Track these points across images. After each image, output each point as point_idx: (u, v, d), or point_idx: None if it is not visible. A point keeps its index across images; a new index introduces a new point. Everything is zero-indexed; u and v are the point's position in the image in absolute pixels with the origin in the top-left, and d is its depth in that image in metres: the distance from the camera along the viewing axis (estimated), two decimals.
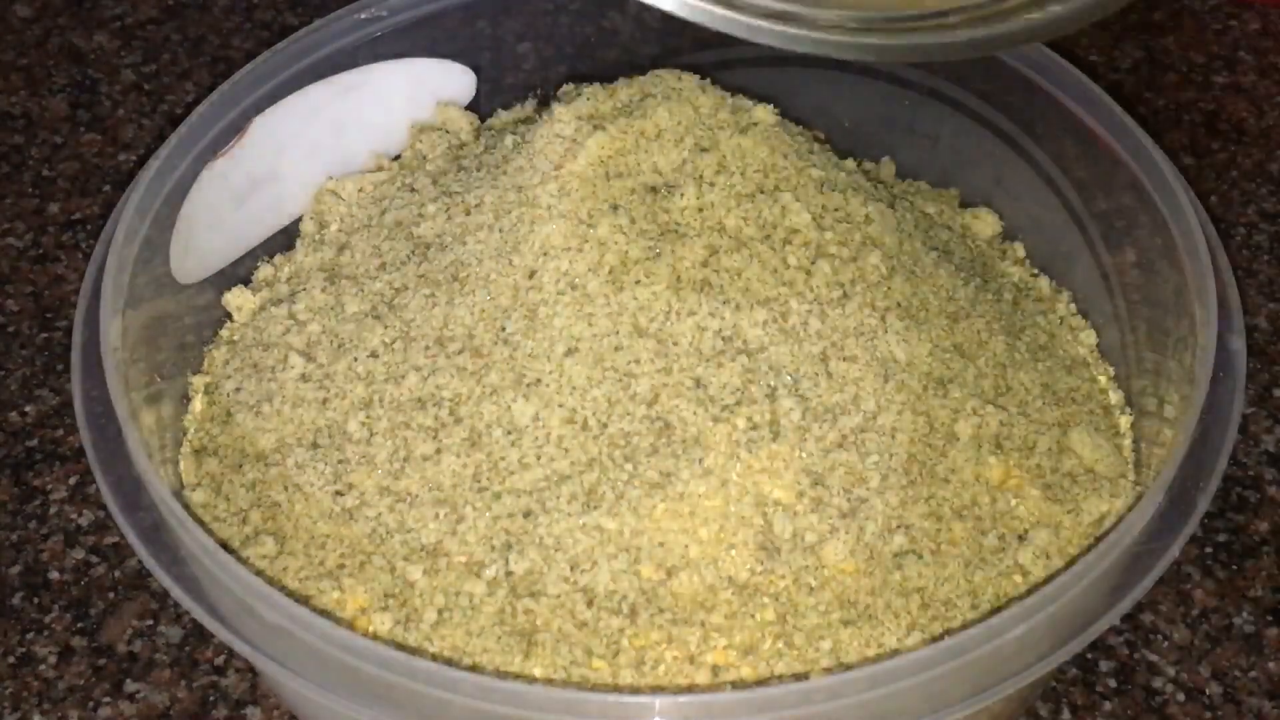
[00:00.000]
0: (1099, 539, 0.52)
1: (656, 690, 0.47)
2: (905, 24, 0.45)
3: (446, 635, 0.48)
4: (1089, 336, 0.61)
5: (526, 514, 0.49)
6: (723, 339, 0.52)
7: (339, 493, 0.52)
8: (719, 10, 0.46)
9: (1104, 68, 0.83)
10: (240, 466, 0.54)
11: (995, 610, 0.49)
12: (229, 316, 0.61)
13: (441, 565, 0.49)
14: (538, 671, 0.47)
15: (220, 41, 0.85)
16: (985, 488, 0.52)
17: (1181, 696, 0.56)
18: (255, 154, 0.60)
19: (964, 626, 0.49)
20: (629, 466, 0.50)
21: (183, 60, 0.84)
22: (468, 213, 0.56)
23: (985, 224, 0.65)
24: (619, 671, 0.47)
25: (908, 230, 0.59)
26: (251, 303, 0.60)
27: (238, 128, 0.59)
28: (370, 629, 0.49)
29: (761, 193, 0.56)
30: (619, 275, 0.52)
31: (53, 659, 0.57)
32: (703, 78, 0.58)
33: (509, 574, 0.49)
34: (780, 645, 0.48)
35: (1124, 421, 0.58)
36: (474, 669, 0.47)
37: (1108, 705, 0.56)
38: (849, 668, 0.47)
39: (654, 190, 0.54)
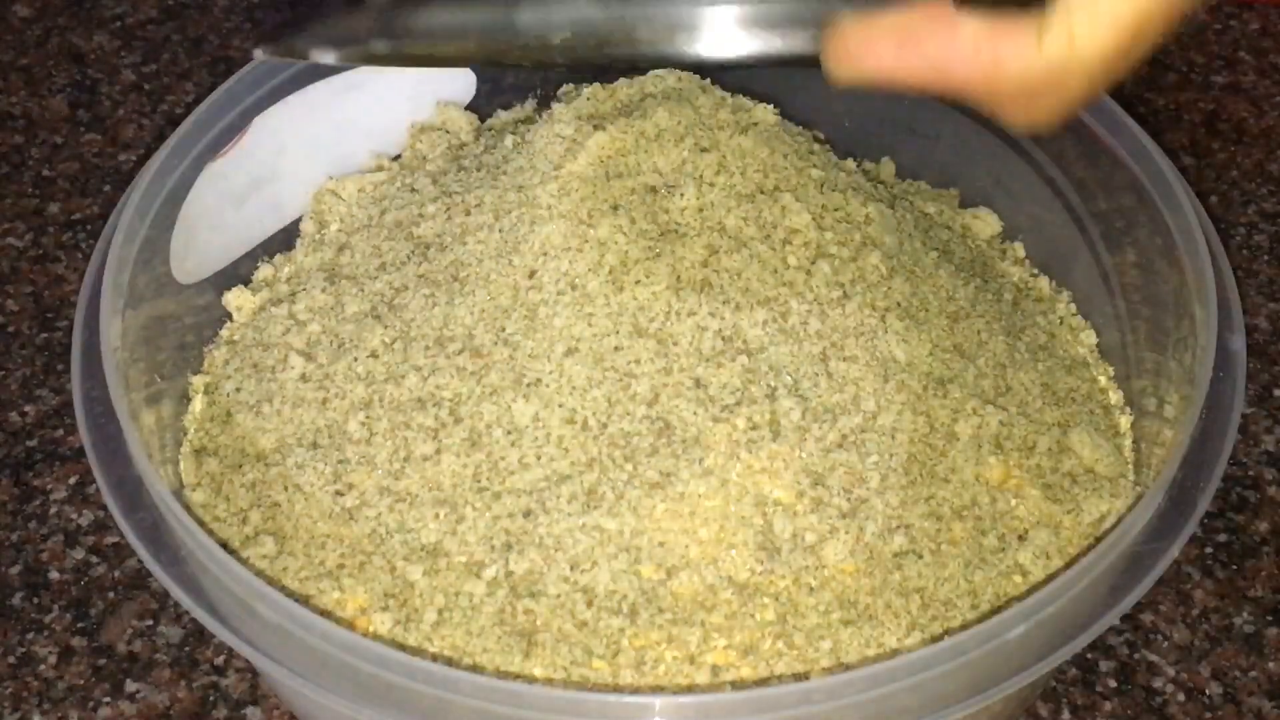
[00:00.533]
0: (1099, 539, 0.52)
1: (656, 690, 0.47)
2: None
3: (446, 635, 0.48)
4: (1089, 336, 0.61)
5: (526, 514, 0.49)
6: (723, 339, 0.52)
7: (339, 493, 0.52)
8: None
9: None
10: (240, 466, 0.54)
11: (995, 610, 0.49)
12: (229, 316, 0.61)
13: (441, 565, 0.49)
14: (538, 671, 0.47)
15: (220, 41, 0.85)
16: (985, 488, 0.52)
17: (1181, 696, 0.56)
18: (255, 154, 0.60)
19: (964, 626, 0.49)
20: (629, 466, 0.50)
21: (183, 60, 0.84)
22: (468, 213, 0.56)
23: (985, 224, 0.65)
24: (619, 671, 0.47)
25: (908, 230, 0.59)
26: (251, 303, 0.60)
27: (238, 128, 0.59)
28: (370, 629, 0.49)
29: (761, 193, 0.56)
30: (619, 275, 0.52)
31: (53, 659, 0.57)
32: (703, 78, 0.58)
33: (509, 574, 0.49)
34: (780, 645, 0.48)
35: (1124, 421, 0.58)
36: (474, 669, 0.47)
37: (1108, 705, 0.56)
38: (849, 668, 0.47)
39: (654, 190, 0.54)
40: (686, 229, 0.54)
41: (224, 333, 0.60)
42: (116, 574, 0.60)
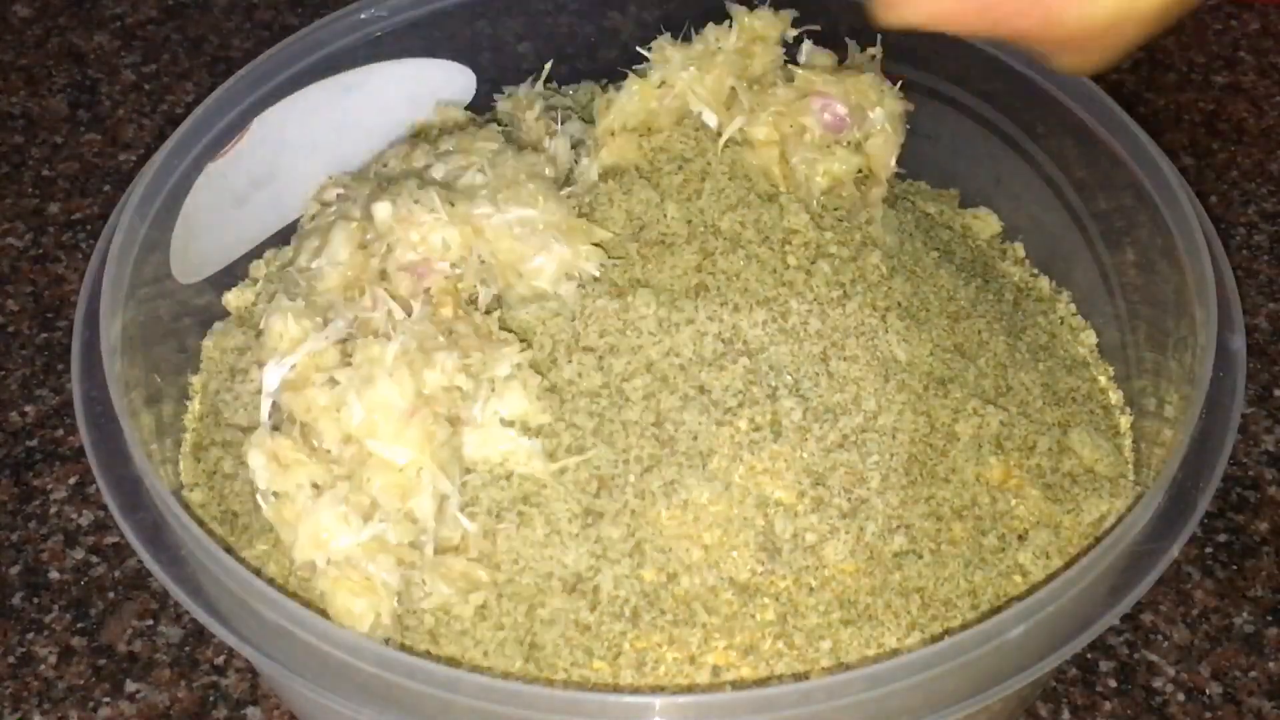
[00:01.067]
0: (1099, 539, 0.52)
1: (657, 690, 0.47)
2: None
3: (446, 640, 0.48)
4: (1089, 336, 0.61)
5: (529, 520, 0.49)
6: (723, 341, 0.52)
7: None
8: None
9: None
10: (240, 466, 0.54)
11: (995, 610, 0.49)
12: (228, 316, 0.61)
13: (443, 568, 0.49)
14: (538, 673, 0.47)
15: (220, 41, 0.85)
16: (985, 488, 0.52)
17: (1181, 696, 0.56)
18: (255, 154, 0.60)
19: (964, 626, 0.49)
20: (632, 476, 0.50)
21: (183, 60, 0.84)
22: None
23: (985, 224, 0.65)
24: (619, 672, 0.47)
25: (908, 230, 0.59)
26: (249, 301, 0.60)
27: (238, 128, 0.59)
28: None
29: (758, 195, 0.56)
30: (619, 287, 0.53)
31: (53, 659, 0.57)
32: None
33: (511, 579, 0.49)
34: (780, 645, 0.48)
35: (1124, 421, 0.58)
36: (475, 670, 0.47)
37: (1108, 705, 0.56)
38: (849, 668, 0.47)
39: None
40: (674, 238, 0.54)
41: (220, 329, 0.60)
42: (116, 574, 0.60)
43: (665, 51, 0.57)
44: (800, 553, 0.49)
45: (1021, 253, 0.65)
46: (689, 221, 0.55)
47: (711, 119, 0.57)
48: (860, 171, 0.58)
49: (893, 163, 0.58)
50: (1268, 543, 0.61)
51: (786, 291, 0.53)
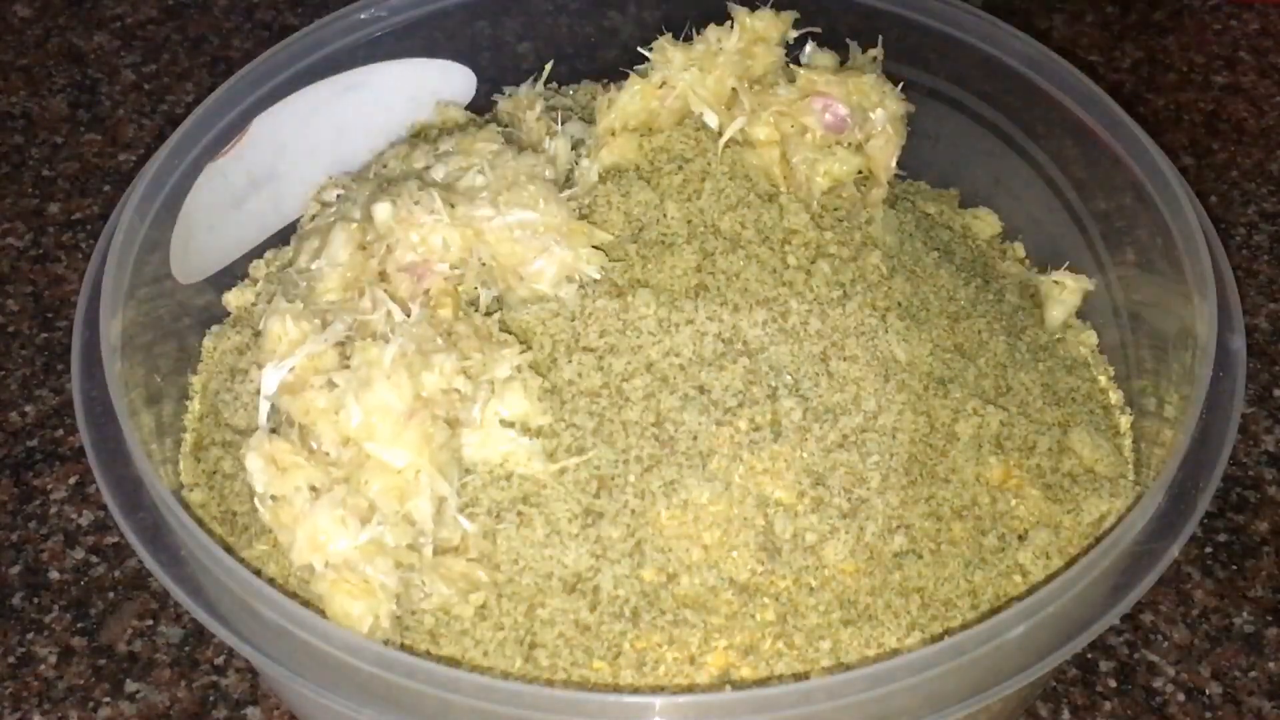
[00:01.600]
0: (1099, 539, 0.52)
1: (657, 690, 0.47)
2: None
3: (446, 640, 0.48)
4: (1089, 336, 0.61)
5: (529, 521, 0.49)
6: (723, 341, 0.52)
7: None
8: None
9: (1104, 68, 0.83)
10: (240, 466, 0.54)
11: (995, 610, 0.49)
12: (228, 316, 0.61)
13: (443, 568, 0.49)
14: (538, 673, 0.47)
15: (220, 41, 0.85)
16: (985, 488, 0.52)
17: (1181, 696, 0.56)
18: (255, 154, 0.60)
19: (964, 626, 0.49)
20: (632, 476, 0.50)
21: (183, 60, 0.84)
22: None
23: (985, 224, 0.65)
24: (619, 672, 0.47)
25: (908, 230, 0.59)
26: (249, 301, 0.60)
27: (238, 128, 0.59)
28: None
29: (758, 195, 0.56)
30: (619, 287, 0.53)
31: (53, 659, 0.57)
32: None
33: (511, 579, 0.49)
34: (780, 645, 0.48)
35: (1124, 421, 0.58)
36: (475, 670, 0.47)
37: (1108, 705, 0.56)
38: (849, 668, 0.47)
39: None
40: (674, 238, 0.54)
41: (220, 329, 0.60)
42: (116, 574, 0.60)
43: (666, 52, 0.57)
44: (800, 553, 0.49)
45: (1021, 253, 0.65)
46: (689, 222, 0.55)
47: (712, 119, 0.57)
48: (861, 172, 0.58)
49: (893, 164, 0.58)
50: (1268, 543, 0.61)
51: (786, 291, 0.53)
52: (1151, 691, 0.56)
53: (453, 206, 0.52)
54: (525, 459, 0.50)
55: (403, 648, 0.48)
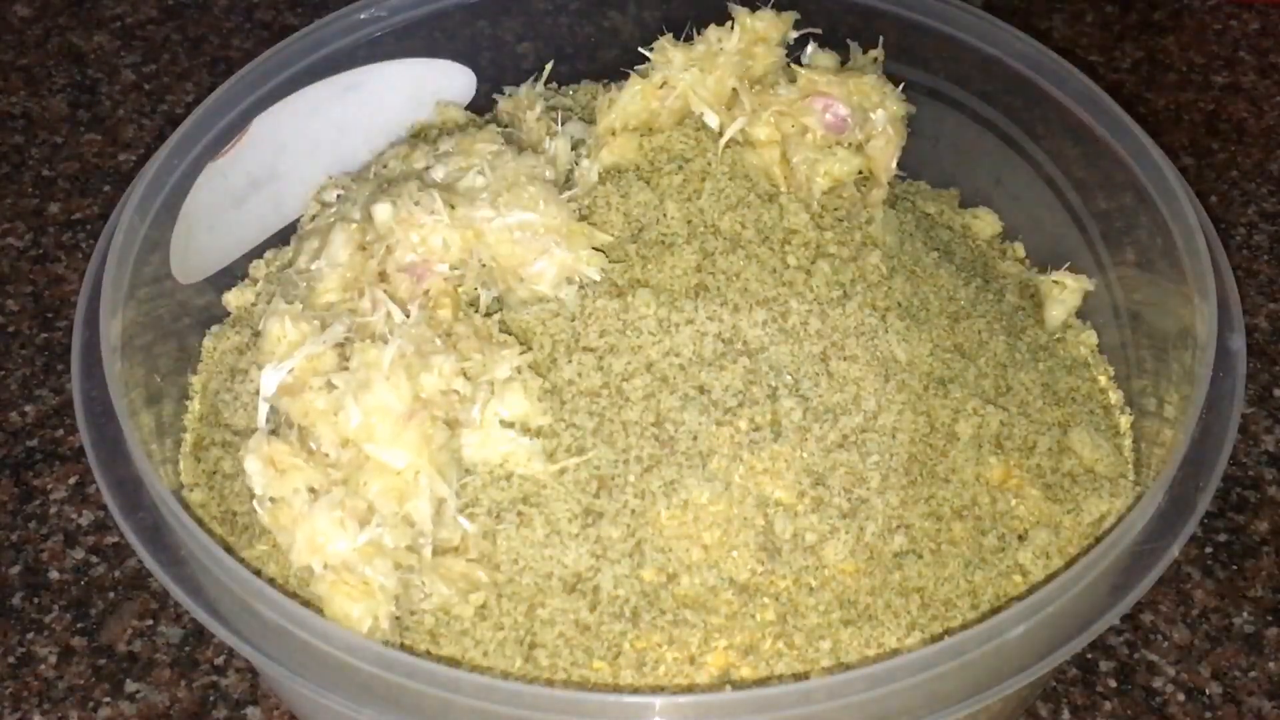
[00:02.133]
0: (1099, 539, 0.52)
1: (657, 690, 0.47)
2: None
3: (446, 640, 0.48)
4: (1089, 336, 0.61)
5: (529, 521, 0.49)
6: (723, 341, 0.52)
7: None
8: None
9: (1104, 68, 0.83)
10: (240, 466, 0.54)
11: (995, 610, 0.49)
12: (228, 316, 0.61)
13: (443, 568, 0.49)
14: (538, 673, 0.47)
15: (220, 41, 0.85)
16: (985, 488, 0.52)
17: (1181, 696, 0.56)
18: (255, 154, 0.60)
19: (964, 626, 0.49)
20: (632, 476, 0.50)
21: (183, 60, 0.84)
22: None
23: (985, 224, 0.65)
24: (619, 672, 0.47)
25: (908, 230, 0.59)
26: (249, 301, 0.60)
27: (238, 128, 0.59)
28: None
29: (758, 195, 0.56)
30: (619, 287, 0.52)
31: (53, 659, 0.57)
32: None
33: (511, 580, 0.49)
34: (780, 645, 0.48)
35: (1124, 421, 0.58)
36: (475, 670, 0.47)
37: (1108, 705, 0.56)
38: (849, 668, 0.47)
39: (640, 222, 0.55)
40: (674, 238, 0.54)
41: (220, 329, 0.60)
42: (116, 574, 0.60)
43: (667, 52, 0.57)
44: (800, 553, 0.49)
45: (1021, 253, 0.65)
46: (689, 221, 0.55)
47: (713, 120, 0.57)
48: (861, 173, 0.58)
49: (893, 165, 0.58)
50: (1268, 543, 0.61)
51: (786, 291, 0.53)
52: (1151, 691, 0.56)
53: (453, 207, 0.52)
54: (525, 459, 0.50)
55: (403, 648, 0.48)
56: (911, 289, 0.56)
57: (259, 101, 0.60)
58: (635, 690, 0.47)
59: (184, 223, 0.57)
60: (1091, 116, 0.59)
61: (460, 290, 0.53)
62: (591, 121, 0.59)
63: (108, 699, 0.56)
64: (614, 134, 0.57)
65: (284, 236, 0.63)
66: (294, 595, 0.49)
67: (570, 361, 0.52)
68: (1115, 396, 0.59)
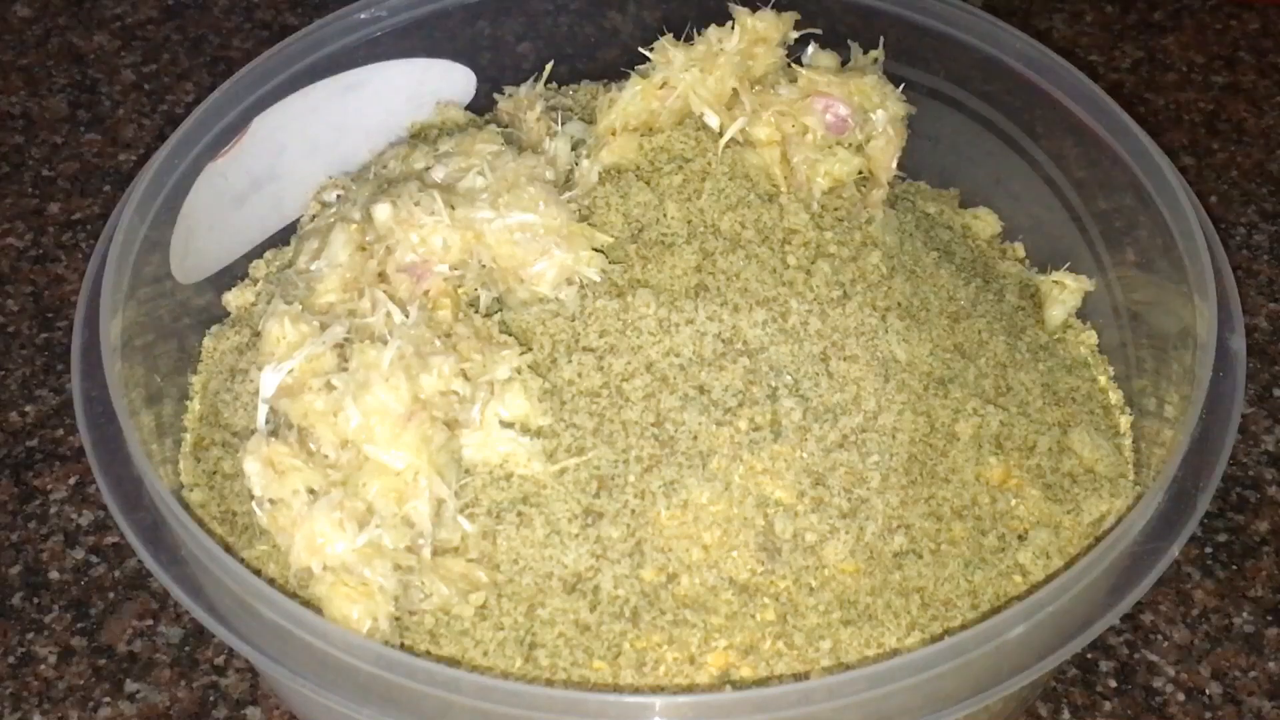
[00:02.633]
0: (1099, 539, 0.52)
1: (657, 690, 0.47)
2: None
3: (446, 640, 0.48)
4: (1089, 336, 0.61)
5: (529, 521, 0.49)
6: (723, 341, 0.52)
7: None
8: None
9: (1104, 68, 0.83)
10: (240, 466, 0.54)
11: (995, 610, 0.49)
12: (228, 316, 0.61)
13: (443, 568, 0.49)
14: (538, 673, 0.47)
15: (220, 41, 0.85)
16: (985, 488, 0.52)
17: (1181, 696, 0.56)
18: (255, 154, 0.60)
19: (964, 626, 0.49)
20: (632, 476, 0.50)
21: (183, 60, 0.84)
22: None
23: (985, 224, 0.65)
24: (619, 672, 0.47)
25: (908, 230, 0.59)
26: (249, 301, 0.60)
27: (238, 128, 0.59)
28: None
29: (758, 195, 0.56)
30: (619, 287, 0.53)
31: (53, 659, 0.57)
32: None
33: (511, 580, 0.49)
34: (780, 645, 0.48)
35: (1124, 421, 0.58)
36: (475, 670, 0.47)
37: (1108, 705, 0.56)
38: (849, 668, 0.47)
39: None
40: (674, 238, 0.54)
41: (220, 329, 0.60)
42: (116, 574, 0.60)
43: (668, 52, 0.57)
44: (800, 553, 0.49)
45: (1021, 253, 0.65)
46: (689, 222, 0.55)
47: (713, 120, 0.57)
48: (861, 173, 0.58)
49: (894, 165, 0.58)
50: (1268, 543, 0.61)
51: (786, 291, 0.53)
52: (1151, 691, 0.56)
53: (453, 208, 0.52)
54: (525, 459, 0.50)
55: (403, 648, 0.48)
56: (911, 289, 0.56)
57: (259, 101, 0.60)
58: (635, 690, 0.47)
59: (184, 223, 0.57)
60: (1091, 116, 0.59)
61: (460, 291, 0.53)
62: (591, 121, 0.59)
63: (108, 699, 0.56)
64: (614, 134, 0.57)
65: (284, 236, 0.63)
66: (294, 596, 0.49)
67: (570, 362, 0.52)
68: (1115, 396, 0.59)
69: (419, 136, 0.64)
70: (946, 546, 0.50)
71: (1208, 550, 0.61)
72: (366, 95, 0.63)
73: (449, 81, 0.66)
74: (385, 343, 0.49)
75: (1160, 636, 0.58)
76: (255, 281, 0.62)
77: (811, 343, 0.52)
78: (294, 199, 0.63)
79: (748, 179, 0.56)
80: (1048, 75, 0.60)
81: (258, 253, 0.63)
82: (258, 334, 0.52)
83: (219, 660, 0.57)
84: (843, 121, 0.57)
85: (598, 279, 0.53)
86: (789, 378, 0.51)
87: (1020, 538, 0.52)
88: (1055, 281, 0.61)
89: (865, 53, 0.60)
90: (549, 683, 0.47)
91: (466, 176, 0.54)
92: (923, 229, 0.61)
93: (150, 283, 0.55)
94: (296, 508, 0.47)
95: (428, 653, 0.48)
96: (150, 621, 0.58)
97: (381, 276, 0.52)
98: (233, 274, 0.61)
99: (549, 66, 0.64)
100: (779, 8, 0.58)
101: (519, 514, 0.49)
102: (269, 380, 0.49)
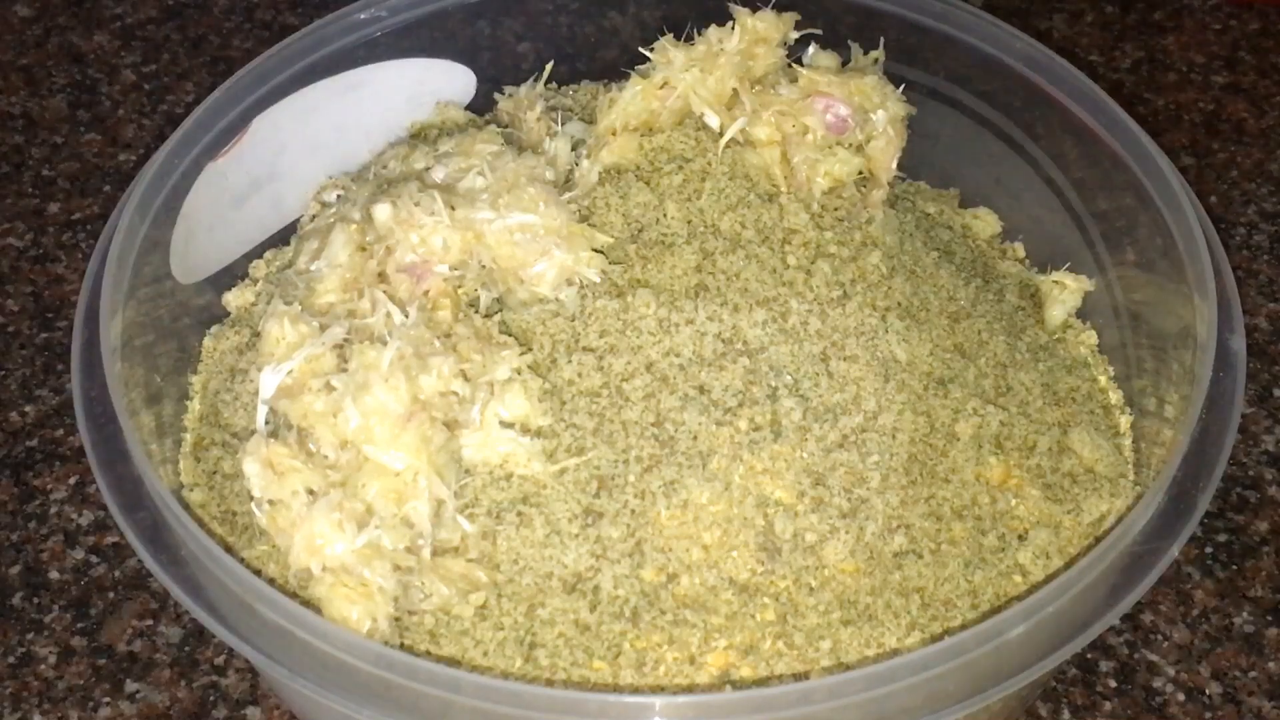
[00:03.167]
0: (1099, 539, 0.52)
1: (657, 690, 0.47)
2: None
3: (446, 640, 0.48)
4: (1089, 336, 0.61)
5: (529, 521, 0.49)
6: (723, 341, 0.52)
7: None
8: None
9: (1104, 68, 0.83)
10: (239, 466, 0.54)
11: (995, 610, 0.49)
12: (228, 315, 0.61)
13: (443, 569, 0.49)
14: (538, 673, 0.47)
15: (220, 41, 0.85)
16: (985, 488, 0.52)
17: (1181, 696, 0.56)
18: (255, 154, 0.60)
19: (964, 626, 0.49)
20: (632, 476, 0.50)
21: (183, 60, 0.84)
22: None
23: (985, 224, 0.65)
24: (619, 672, 0.47)
25: (908, 230, 0.59)
26: (249, 301, 0.60)
27: (238, 128, 0.59)
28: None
29: (758, 195, 0.56)
30: (619, 287, 0.52)
31: (53, 659, 0.57)
32: None
33: (511, 580, 0.49)
34: (780, 645, 0.48)
35: (1124, 421, 0.58)
36: (475, 670, 0.47)
37: (1108, 705, 0.56)
38: (849, 668, 0.47)
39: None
40: (674, 238, 0.54)
41: (220, 329, 0.60)
42: (116, 574, 0.60)
43: (668, 52, 0.57)
44: (800, 553, 0.49)
45: (1021, 253, 0.65)
46: (689, 222, 0.55)
47: (713, 120, 0.57)
48: (861, 173, 0.58)
49: (894, 165, 0.58)
50: (1268, 543, 0.61)
51: (786, 291, 0.53)
52: (1151, 691, 0.56)
53: (453, 208, 0.52)
54: (525, 459, 0.50)
55: (402, 648, 0.48)
56: (911, 289, 0.56)
57: (259, 101, 0.60)
58: (635, 690, 0.47)
59: (184, 223, 0.57)
60: (1091, 116, 0.59)
61: (460, 291, 0.53)
62: (591, 121, 0.59)
63: (108, 699, 0.56)
64: (614, 134, 0.57)
65: (284, 236, 0.63)
66: (294, 596, 0.49)
67: (570, 362, 0.52)
68: (1115, 396, 0.59)
69: (419, 136, 0.64)
70: (946, 546, 0.50)
71: (1208, 550, 0.61)
72: (366, 95, 0.63)
73: (449, 81, 0.66)
74: (385, 343, 0.49)
75: (1160, 636, 0.58)
76: (255, 281, 0.62)
77: (811, 343, 0.52)
78: (294, 199, 0.63)
79: (748, 179, 0.56)
80: (1048, 75, 0.60)
81: (258, 253, 0.63)
82: (258, 334, 0.52)
83: (219, 660, 0.57)
84: (843, 121, 0.57)
85: (598, 279, 0.53)
86: (789, 378, 0.51)
87: (1020, 538, 0.52)
88: (1055, 281, 0.61)
89: (865, 53, 0.60)
90: (549, 683, 0.47)
91: (466, 177, 0.54)
92: (923, 229, 0.61)
93: (150, 282, 0.55)
94: (296, 508, 0.47)
95: (428, 653, 0.48)
96: (150, 621, 0.58)
97: (381, 277, 0.52)
98: (233, 274, 0.61)
99: (549, 66, 0.64)
100: (779, 8, 0.58)
101: (519, 514, 0.49)
102: (268, 381, 0.49)
